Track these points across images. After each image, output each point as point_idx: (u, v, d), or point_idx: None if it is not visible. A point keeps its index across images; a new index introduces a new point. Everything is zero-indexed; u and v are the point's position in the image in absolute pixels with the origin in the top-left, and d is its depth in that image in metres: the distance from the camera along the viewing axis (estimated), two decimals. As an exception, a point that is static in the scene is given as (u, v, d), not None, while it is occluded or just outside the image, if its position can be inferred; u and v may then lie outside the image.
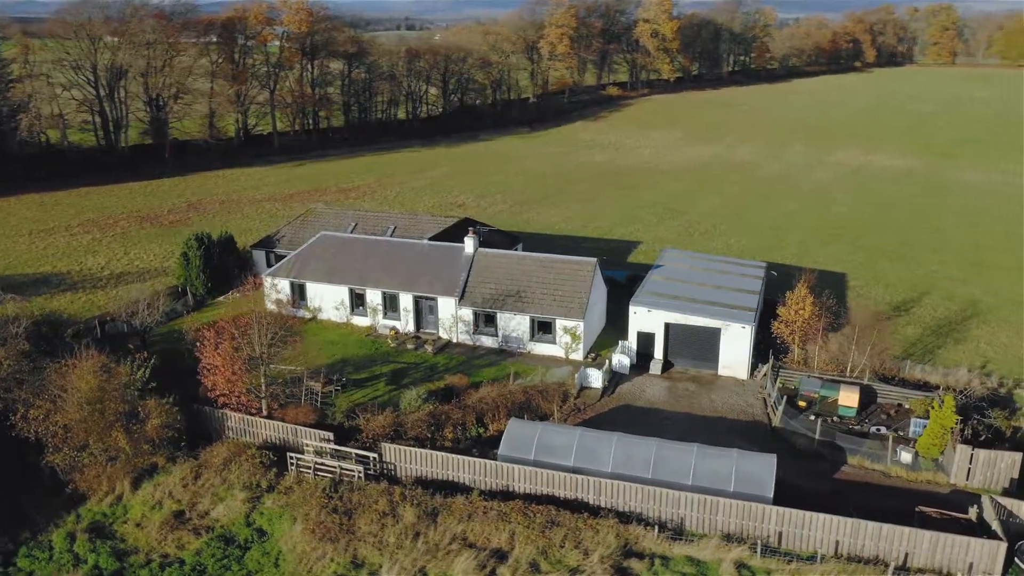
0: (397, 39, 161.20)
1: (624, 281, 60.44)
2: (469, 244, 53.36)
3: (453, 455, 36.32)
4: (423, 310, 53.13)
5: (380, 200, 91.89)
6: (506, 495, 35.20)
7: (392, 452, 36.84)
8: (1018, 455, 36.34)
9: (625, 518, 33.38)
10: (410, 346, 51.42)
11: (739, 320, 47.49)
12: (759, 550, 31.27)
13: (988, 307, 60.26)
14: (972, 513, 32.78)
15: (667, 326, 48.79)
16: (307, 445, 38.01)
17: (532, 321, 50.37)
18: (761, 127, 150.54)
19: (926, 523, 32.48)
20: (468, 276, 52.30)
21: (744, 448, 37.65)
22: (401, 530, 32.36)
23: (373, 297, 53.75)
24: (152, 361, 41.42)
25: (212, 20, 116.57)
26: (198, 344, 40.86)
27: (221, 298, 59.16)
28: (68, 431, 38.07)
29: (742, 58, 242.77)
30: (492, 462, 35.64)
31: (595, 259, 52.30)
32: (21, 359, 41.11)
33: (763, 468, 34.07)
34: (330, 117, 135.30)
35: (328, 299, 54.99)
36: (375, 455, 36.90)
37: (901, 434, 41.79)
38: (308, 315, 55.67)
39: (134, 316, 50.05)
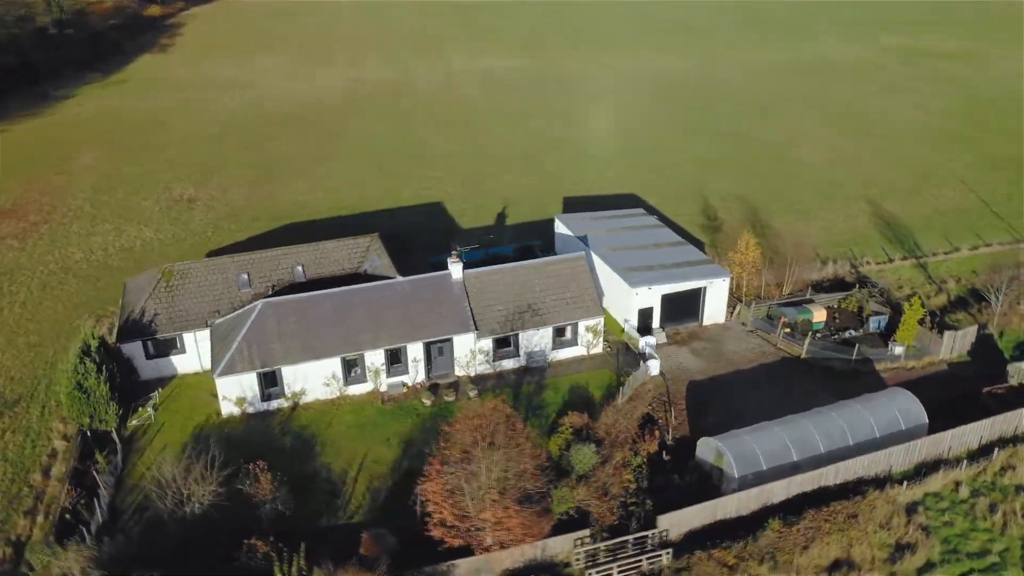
0: None
1: (514, 255, 61.09)
2: (456, 270, 48.73)
3: (720, 499, 37.23)
4: (432, 354, 47.81)
5: (81, 217, 71.42)
6: (766, 512, 37.91)
7: (669, 520, 36.09)
8: (974, 328, 51.21)
9: (865, 485, 39.24)
10: (448, 398, 46.54)
11: (718, 275, 53.80)
12: (963, 467, 40.30)
13: (757, 203, 75.57)
14: (1014, 380, 46.36)
15: (663, 297, 52.76)
16: (576, 555, 34.77)
17: (554, 331, 49.59)
18: (353, 39, 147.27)
19: (997, 398, 45.10)
20: (470, 304, 48.32)
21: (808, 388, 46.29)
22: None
23: (374, 358, 46.28)
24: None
25: None
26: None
27: (135, 422, 44.08)
28: None
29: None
30: (756, 490, 37.64)
31: (583, 252, 52.62)
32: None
33: (910, 402, 42.60)
34: None
35: (313, 378, 45.53)
36: (653, 531, 35.74)
37: (863, 332, 54.03)
38: (286, 404, 45.56)
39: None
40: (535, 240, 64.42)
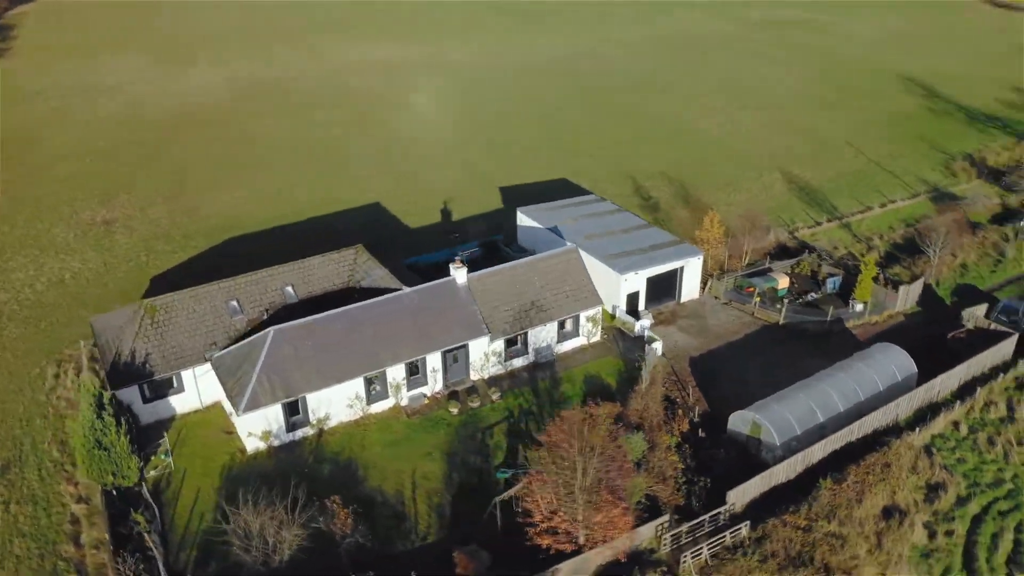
0: None
1: (478, 251, 61.47)
2: (461, 275, 48.42)
3: (773, 467, 39.75)
4: (448, 362, 47.44)
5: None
6: (808, 473, 40.99)
7: (737, 495, 38.22)
8: (921, 280, 56.78)
9: (888, 434, 43.16)
10: (473, 404, 46.48)
11: (693, 255, 56.49)
12: (955, 408, 45.08)
13: (681, 179, 79.09)
14: (970, 324, 51.94)
15: (648, 280, 54.83)
16: (665, 540, 36.27)
17: (558, 324, 50.45)
18: (208, 34, 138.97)
19: (961, 341, 50.50)
20: (479, 308, 48.27)
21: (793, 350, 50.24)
22: (839, 543, 36.52)
23: (395, 373, 45.39)
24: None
25: None
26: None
27: (154, 472, 41.15)
28: None
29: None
30: (800, 454, 40.49)
31: (574, 245, 53.51)
32: None
33: (900, 355, 46.98)
34: None
35: (337, 401, 44.12)
36: (726, 506, 37.78)
37: (823, 294, 58.48)
38: (312, 431, 43.93)
39: None
40: (496, 235, 64.67)
